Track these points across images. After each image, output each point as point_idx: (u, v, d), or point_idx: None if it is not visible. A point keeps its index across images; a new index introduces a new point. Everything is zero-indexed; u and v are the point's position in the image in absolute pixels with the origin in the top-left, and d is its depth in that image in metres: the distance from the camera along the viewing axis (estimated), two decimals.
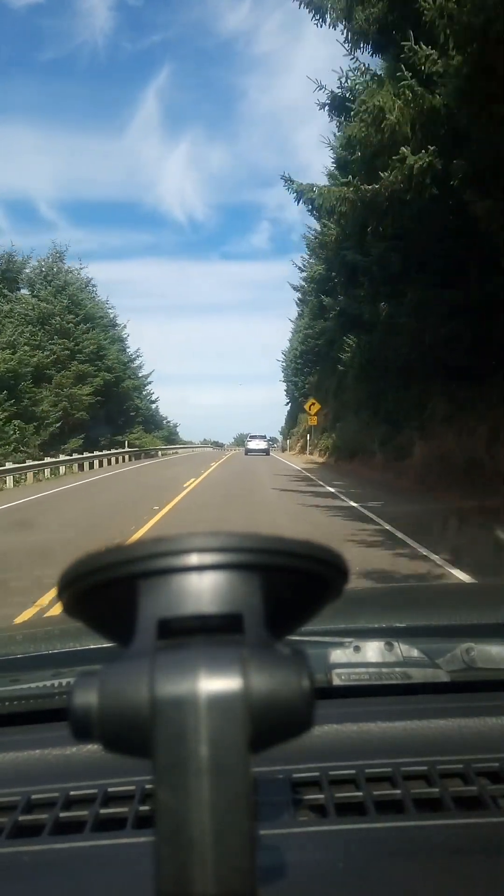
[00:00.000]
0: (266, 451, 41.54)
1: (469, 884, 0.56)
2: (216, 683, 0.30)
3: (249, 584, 0.33)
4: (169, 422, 57.84)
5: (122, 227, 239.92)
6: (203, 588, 0.33)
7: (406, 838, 0.61)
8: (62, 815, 0.67)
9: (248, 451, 41.28)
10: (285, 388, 49.88)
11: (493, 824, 0.63)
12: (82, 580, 0.34)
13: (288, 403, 53.30)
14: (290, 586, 0.35)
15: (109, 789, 0.70)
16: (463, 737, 0.80)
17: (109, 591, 0.34)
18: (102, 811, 0.67)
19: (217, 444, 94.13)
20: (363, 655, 0.99)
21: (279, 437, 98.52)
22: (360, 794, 0.68)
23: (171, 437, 57.97)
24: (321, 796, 0.68)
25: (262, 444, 42.53)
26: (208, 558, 0.33)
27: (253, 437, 44.76)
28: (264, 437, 45.03)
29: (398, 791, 0.69)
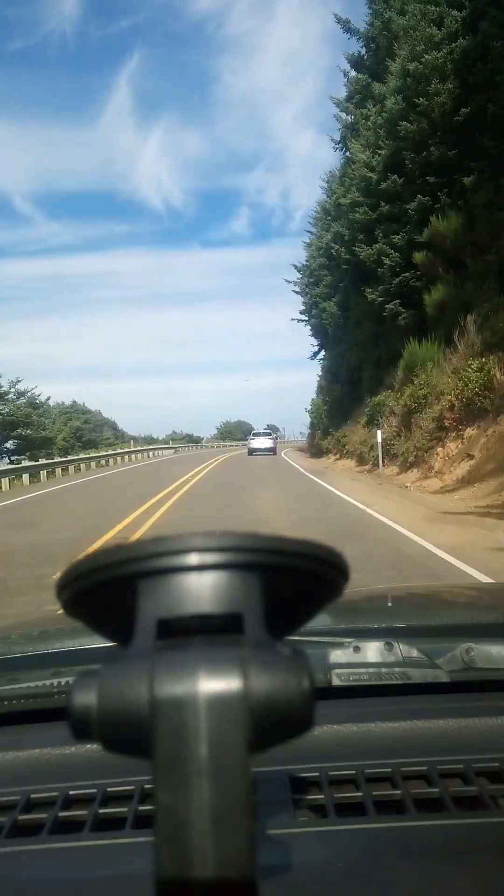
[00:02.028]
0: (272, 450, 35.59)
1: (470, 884, 0.56)
2: (216, 683, 0.30)
3: (249, 583, 0.33)
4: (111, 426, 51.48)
5: (100, 217, 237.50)
6: (203, 588, 0.33)
7: (406, 838, 0.61)
8: (61, 814, 0.67)
9: (251, 451, 35.42)
10: (318, 352, 35.90)
11: (494, 824, 0.63)
12: (82, 580, 0.34)
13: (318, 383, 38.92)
14: (290, 586, 0.35)
15: (108, 789, 0.70)
16: (463, 737, 0.80)
17: (109, 590, 0.34)
18: (101, 811, 0.67)
19: (191, 441, 77.46)
20: (363, 655, 0.99)
21: (279, 429, 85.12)
22: (359, 794, 0.68)
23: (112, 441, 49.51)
24: (321, 796, 0.68)
25: (267, 443, 36.38)
26: (208, 558, 0.33)
27: (257, 433, 39.49)
28: (269, 433, 39.66)
29: (398, 791, 0.69)
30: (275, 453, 35.15)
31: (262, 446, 35.53)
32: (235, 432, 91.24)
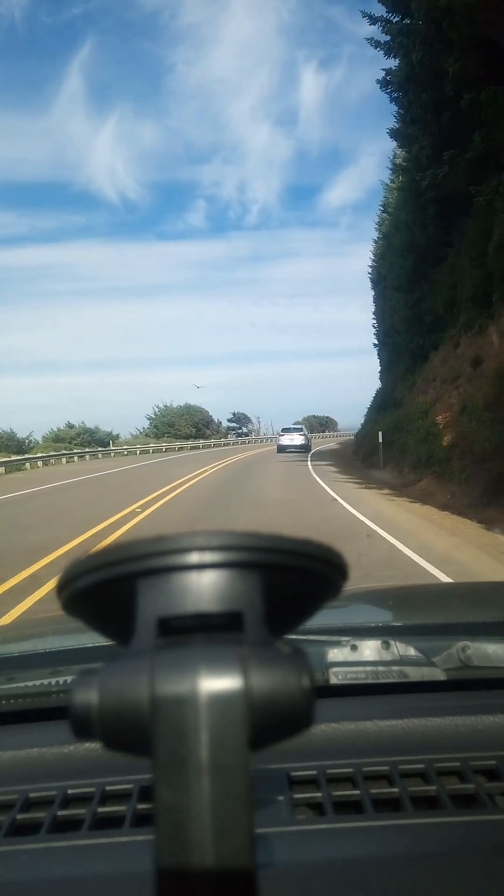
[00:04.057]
0: (306, 448, 30.77)
1: (466, 881, 0.56)
2: (216, 682, 0.30)
3: (249, 582, 0.33)
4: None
5: (54, 208, 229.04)
6: (203, 586, 0.33)
7: (404, 836, 0.62)
8: (60, 813, 0.67)
9: (281, 449, 30.81)
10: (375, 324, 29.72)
11: (491, 822, 0.64)
12: (81, 579, 0.34)
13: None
14: (289, 584, 0.35)
15: (107, 788, 0.70)
16: (460, 735, 0.80)
17: (109, 589, 0.34)
18: (100, 809, 0.67)
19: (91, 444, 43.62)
20: (360, 654, 1.00)
21: (252, 420, 77.37)
22: (357, 792, 0.68)
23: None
24: (319, 794, 0.68)
25: (298, 439, 31.26)
26: (208, 556, 0.33)
27: (287, 429, 33.90)
28: (300, 429, 34.22)
29: (395, 789, 0.69)
30: (308, 451, 30.43)
31: (292, 443, 31.03)
32: (182, 425, 60.14)
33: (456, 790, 0.69)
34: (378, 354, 30.81)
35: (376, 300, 29.22)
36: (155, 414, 63.42)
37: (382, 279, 26.32)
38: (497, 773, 0.72)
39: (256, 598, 0.33)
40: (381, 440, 17.55)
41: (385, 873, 0.57)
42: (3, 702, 0.94)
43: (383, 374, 29.33)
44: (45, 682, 0.97)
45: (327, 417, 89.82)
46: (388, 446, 17.66)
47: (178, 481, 15.25)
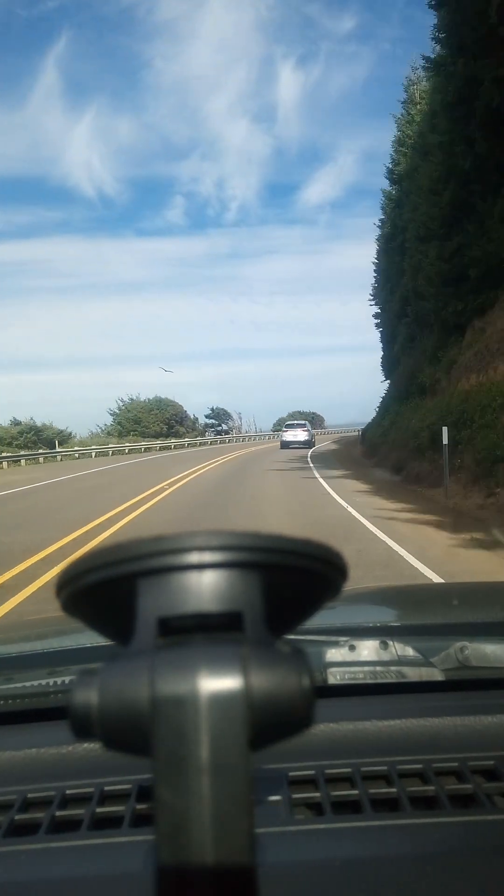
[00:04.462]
0: (308, 444, 30.87)
1: (465, 882, 0.56)
2: (216, 682, 0.30)
3: (249, 582, 0.33)
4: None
5: (29, 203, 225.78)
6: (203, 586, 0.33)
7: (402, 836, 0.62)
8: (58, 813, 0.67)
9: (284, 445, 31.00)
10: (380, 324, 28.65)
11: (489, 822, 0.64)
12: (81, 578, 0.34)
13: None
14: (289, 584, 0.35)
15: (106, 788, 0.70)
16: (458, 735, 0.80)
17: (108, 589, 0.34)
18: (99, 810, 0.67)
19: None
20: (358, 654, 1.00)
21: (232, 416, 68.02)
22: (356, 792, 0.69)
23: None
24: (317, 794, 0.69)
25: (302, 435, 31.61)
26: (208, 556, 0.33)
27: (290, 425, 34.12)
28: (304, 424, 34.06)
29: (394, 789, 0.69)
30: (311, 447, 30.42)
31: (297, 439, 31.24)
32: (150, 422, 51.64)
33: (454, 790, 0.69)
34: (382, 337, 28.24)
35: (381, 269, 26.22)
36: (119, 409, 53.46)
37: (395, 235, 21.71)
38: (495, 773, 0.72)
39: (256, 598, 0.33)
40: (445, 440, 10.23)
41: (383, 873, 0.57)
42: (2, 702, 0.94)
43: (395, 358, 24.79)
44: (44, 682, 0.97)
45: (313, 414, 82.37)
46: (431, 448, 11.91)
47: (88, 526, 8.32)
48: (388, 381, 28.25)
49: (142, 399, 55.32)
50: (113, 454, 34.45)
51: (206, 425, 66.76)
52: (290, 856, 0.58)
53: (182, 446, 43.94)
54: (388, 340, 28.01)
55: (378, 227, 26.81)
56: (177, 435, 52.78)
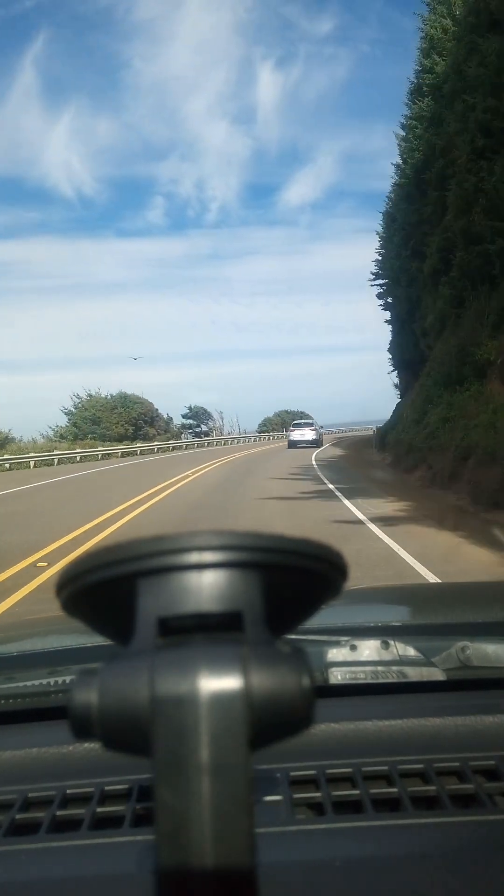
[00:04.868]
0: (316, 443, 30.79)
1: (466, 881, 0.56)
2: (216, 682, 0.30)
3: (249, 582, 0.33)
4: None
5: (7, 203, 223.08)
6: (203, 586, 0.33)
7: (403, 836, 0.62)
8: (59, 813, 0.67)
9: (291, 444, 30.92)
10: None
11: (490, 822, 0.64)
12: (81, 578, 0.34)
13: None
14: (289, 584, 0.35)
15: (106, 788, 0.70)
16: (459, 735, 0.80)
17: (108, 589, 0.34)
18: (99, 809, 0.67)
19: None
20: (359, 654, 1.00)
21: (212, 416, 59.90)
22: (357, 791, 0.68)
23: None
24: (318, 794, 0.68)
25: (309, 434, 31.34)
26: (208, 556, 0.33)
27: (297, 423, 33.91)
28: (311, 423, 33.79)
29: (395, 789, 0.69)
30: (319, 446, 30.24)
31: (305, 438, 30.96)
32: (113, 422, 44.04)
33: (455, 790, 0.69)
34: (393, 314, 24.41)
35: (390, 235, 22.50)
36: (75, 407, 44.51)
37: (427, 163, 17.06)
38: (496, 772, 0.72)
39: (256, 597, 0.33)
40: None
41: (385, 873, 0.57)
42: (3, 701, 0.94)
43: (414, 338, 20.83)
44: (45, 681, 0.97)
45: (302, 413, 73.01)
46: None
47: None
48: (397, 370, 25.98)
49: (102, 395, 45.99)
50: (59, 463, 27.57)
51: (183, 426, 58.91)
52: (290, 856, 0.58)
53: (151, 451, 36.86)
54: (400, 318, 23.47)
55: (396, 170, 21.91)
56: (145, 438, 44.64)
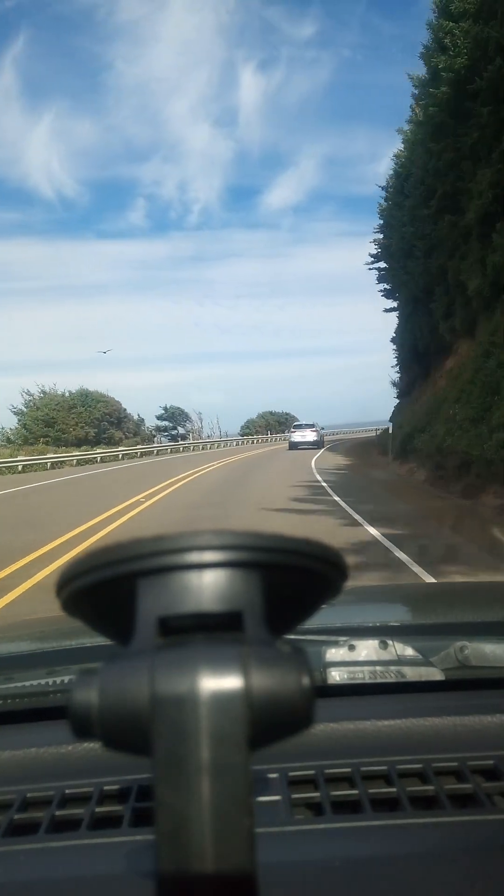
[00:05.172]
0: (318, 444, 30.73)
1: (465, 881, 0.56)
2: (216, 681, 0.30)
3: (249, 581, 0.33)
4: None
5: None
6: (203, 586, 0.33)
7: (402, 836, 0.62)
8: (58, 813, 0.67)
9: (293, 446, 30.91)
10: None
11: (489, 822, 0.64)
12: (81, 578, 0.34)
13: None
14: (289, 584, 0.35)
15: (105, 787, 0.70)
16: (458, 734, 0.80)
17: (108, 589, 0.34)
18: (98, 809, 0.67)
19: None
20: (358, 654, 1.00)
21: (190, 417, 53.66)
22: (355, 791, 0.69)
23: None
24: (317, 794, 0.68)
25: (310, 436, 31.37)
26: (208, 556, 0.33)
27: (298, 425, 33.56)
28: (313, 425, 33.21)
29: (394, 789, 0.69)
30: (320, 447, 29.96)
31: (306, 440, 30.96)
32: (69, 423, 38.84)
33: (454, 790, 0.69)
34: (402, 296, 21.78)
35: (409, 175, 18.24)
36: (26, 406, 38.17)
37: (471, 77, 12.65)
38: (495, 772, 0.72)
39: (256, 597, 0.33)
40: None
41: (383, 873, 0.57)
42: (2, 702, 0.94)
43: (427, 319, 18.35)
44: (44, 681, 0.97)
45: (287, 414, 70.79)
46: None
47: None
48: (400, 365, 24.32)
49: (59, 392, 39.61)
50: None
51: (158, 428, 52.90)
52: (289, 856, 0.58)
53: (115, 458, 31.10)
54: (413, 300, 20.10)
55: (413, 114, 18.90)
56: (110, 442, 39.06)
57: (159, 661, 0.31)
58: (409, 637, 1.10)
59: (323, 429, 34.88)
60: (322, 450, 29.66)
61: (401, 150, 20.88)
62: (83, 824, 0.65)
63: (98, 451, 32.78)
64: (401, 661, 0.98)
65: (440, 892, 0.54)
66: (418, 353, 21.03)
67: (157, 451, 37.68)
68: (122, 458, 31.83)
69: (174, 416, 55.43)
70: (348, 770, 0.72)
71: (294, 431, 32.91)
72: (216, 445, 46.05)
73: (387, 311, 25.94)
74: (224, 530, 0.33)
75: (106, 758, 0.67)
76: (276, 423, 68.02)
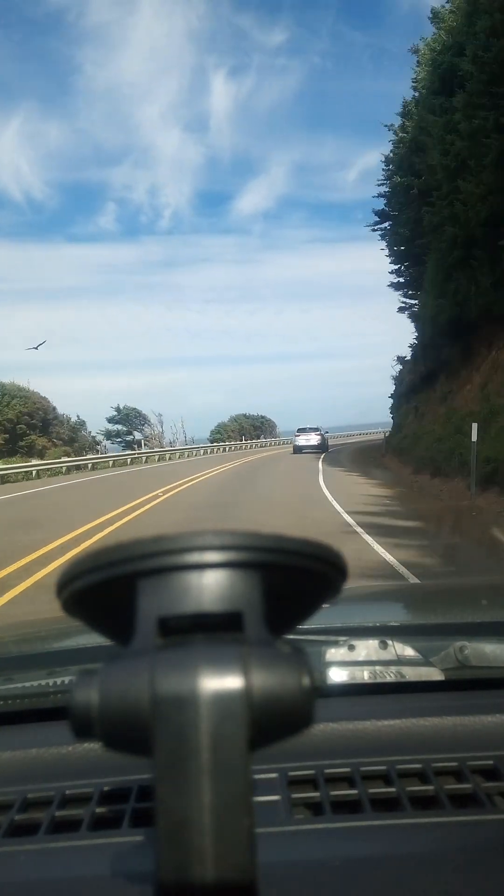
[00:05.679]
0: (322, 448, 30.35)
1: (465, 881, 0.56)
2: (217, 682, 0.30)
3: (249, 581, 0.33)
4: None
5: None
6: (203, 586, 0.33)
7: (401, 835, 0.62)
8: (58, 813, 0.67)
9: (297, 449, 30.77)
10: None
11: (488, 821, 0.64)
12: (81, 579, 0.34)
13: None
14: (289, 584, 0.35)
15: (105, 788, 0.70)
16: (457, 735, 0.80)
17: (109, 589, 0.34)
18: (98, 810, 0.67)
19: None
20: (358, 654, 1.00)
21: (149, 419, 43.11)
22: (355, 791, 0.69)
23: None
24: (317, 794, 0.69)
25: (314, 439, 31.00)
26: (208, 556, 0.33)
27: (302, 429, 32.71)
28: (317, 429, 32.55)
29: (393, 789, 0.69)
30: (325, 451, 29.43)
31: (310, 443, 30.76)
32: None
33: (454, 790, 0.69)
34: (435, 259, 15.40)
35: (450, 80, 13.49)
36: None
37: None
38: (495, 772, 0.72)
39: (256, 597, 0.33)
40: None
41: (383, 873, 0.57)
42: (2, 702, 0.94)
43: (465, 284, 13.86)
44: (44, 682, 0.97)
45: (263, 418, 63.23)
46: None
47: None
48: (414, 353, 20.72)
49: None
50: None
51: (109, 434, 43.29)
52: (289, 856, 0.58)
53: (28, 476, 21.87)
54: (444, 264, 15.03)
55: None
56: (29, 451, 30.64)
57: (159, 661, 0.31)
58: (408, 637, 1.10)
59: (327, 432, 34.60)
60: (323, 457, 24.78)
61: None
62: (83, 825, 0.65)
63: (13, 464, 23.41)
64: (400, 661, 0.98)
65: (439, 892, 0.55)
66: (454, 328, 15.07)
67: (93, 464, 26.54)
68: (37, 476, 22.21)
69: (128, 419, 45.19)
70: (348, 770, 0.72)
71: (298, 435, 32.48)
72: (179, 456, 35.46)
73: (391, 285, 23.32)
74: (224, 531, 0.33)
75: (106, 758, 0.67)
76: (252, 428, 58.60)
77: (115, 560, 0.33)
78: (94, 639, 1.04)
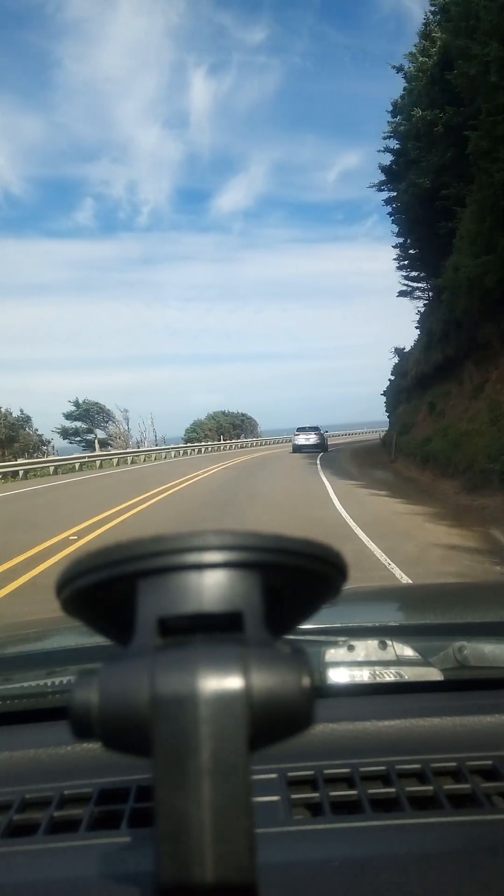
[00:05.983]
0: (321, 447, 30.16)
1: (464, 881, 0.56)
2: (217, 682, 0.30)
3: (249, 582, 0.33)
4: None
5: None
6: (203, 586, 0.33)
7: (401, 836, 0.62)
8: (57, 813, 0.67)
9: (296, 448, 30.56)
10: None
11: (488, 822, 0.64)
12: (81, 579, 0.34)
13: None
14: (289, 584, 0.35)
15: (104, 788, 0.70)
16: (456, 735, 0.80)
17: (109, 589, 0.34)
18: (97, 810, 0.67)
19: None
20: (357, 654, 1.00)
21: (120, 418, 37.15)
22: (354, 792, 0.69)
23: None
24: (316, 795, 0.69)
25: (313, 438, 30.89)
26: (208, 557, 0.33)
27: (302, 429, 32.56)
28: (316, 428, 32.39)
29: (393, 789, 0.69)
30: (324, 450, 29.14)
31: (309, 443, 30.56)
32: None
33: (453, 790, 0.69)
34: (473, 216, 10.57)
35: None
36: None
37: None
38: (494, 773, 0.72)
39: (256, 598, 0.33)
40: None
41: (382, 873, 0.57)
42: (2, 702, 0.94)
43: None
44: (43, 682, 0.97)
45: (244, 415, 57.42)
46: None
47: None
48: (428, 335, 17.48)
49: None
50: None
51: (66, 431, 38.63)
52: (288, 856, 0.58)
53: None
54: (488, 219, 10.58)
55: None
56: None
57: (159, 661, 0.31)
58: (408, 637, 1.10)
59: (326, 431, 34.22)
60: (321, 463, 19.81)
61: None
62: (82, 825, 0.65)
63: None
64: (400, 661, 0.98)
65: (439, 892, 0.55)
66: (493, 302, 11.74)
67: (24, 471, 20.53)
68: None
69: (89, 415, 39.79)
70: (347, 770, 0.72)
71: (298, 434, 32.02)
72: (142, 459, 30.30)
73: (396, 259, 20.62)
74: (224, 531, 0.33)
75: (105, 758, 0.67)
76: (231, 427, 52.89)
77: (114, 560, 0.33)
78: (93, 639, 1.04)
